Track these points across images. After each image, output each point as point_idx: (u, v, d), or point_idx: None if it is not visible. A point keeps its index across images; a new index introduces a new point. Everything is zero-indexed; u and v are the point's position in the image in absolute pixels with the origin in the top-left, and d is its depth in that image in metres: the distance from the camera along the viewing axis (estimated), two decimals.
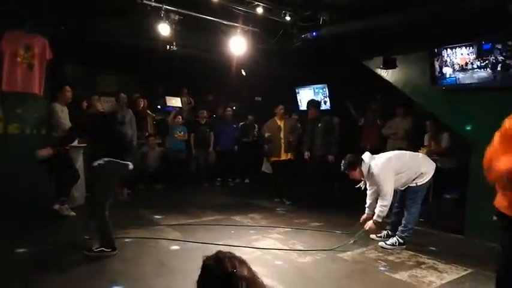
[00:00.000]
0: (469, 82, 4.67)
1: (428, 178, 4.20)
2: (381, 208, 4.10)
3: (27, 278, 3.09)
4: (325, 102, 8.09)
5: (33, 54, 5.03)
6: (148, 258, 3.66)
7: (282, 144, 6.53)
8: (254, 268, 3.75)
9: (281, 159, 6.55)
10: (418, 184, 4.17)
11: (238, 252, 3.80)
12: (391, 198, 4.10)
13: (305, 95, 8.58)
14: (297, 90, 8.71)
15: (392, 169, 4.11)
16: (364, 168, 4.14)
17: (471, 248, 4.38)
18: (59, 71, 6.07)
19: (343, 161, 4.25)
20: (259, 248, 4.06)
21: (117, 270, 3.33)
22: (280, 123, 6.66)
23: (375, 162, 4.16)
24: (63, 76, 6.51)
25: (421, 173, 4.16)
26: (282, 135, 6.56)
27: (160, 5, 5.28)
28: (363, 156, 4.21)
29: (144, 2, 5.12)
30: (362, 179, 4.27)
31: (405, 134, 6.45)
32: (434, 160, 4.92)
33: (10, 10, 4.78)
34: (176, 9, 5.45)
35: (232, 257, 1.16)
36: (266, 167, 7.67)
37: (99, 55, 6.89)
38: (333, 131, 6.32)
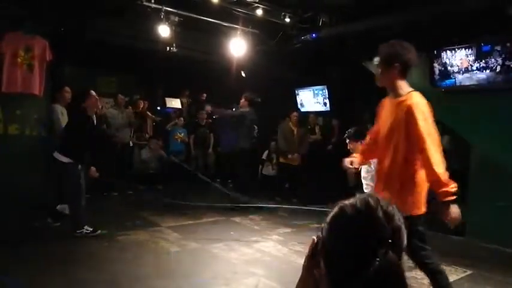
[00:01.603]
0: (468, 84, 4.68)
1: None
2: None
3: (28, 278, 3.09)
4: (325, 104, 8.10)
5: (33, 56, 5.03)
6: (148, 259, 3.66)
7: (294, 149, 6.71)
8: (254, 270, 3.74)
9: (290, 163, 6.72)
10: None
11: (237, 253, 3.79)
12: None
13: (305, 96, 8.59)
14: (296, 92, 8.71)
15: None
16: None
17: (471, 250, 4.38)
18: (59, 71, 6.07)
19: (349, 129, 4.11)
20: (259, 250, 4.06)
21: (118, 271, 3.33)
22: (294, 128, 6.83)
23: None
24: (62, 77, 6.50)
25: None
26: (295, 140, 6.72)
27: (160, 7, 5.29)
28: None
29: (144, 3, 5.13)
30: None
31: None
32: None
33: (10, 11, 4.78)
34: (176, 10, 5.46)
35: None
36: (266, 170, 7.69)
37: (99, 56, 6.89)
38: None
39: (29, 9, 4.90)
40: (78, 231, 4.19)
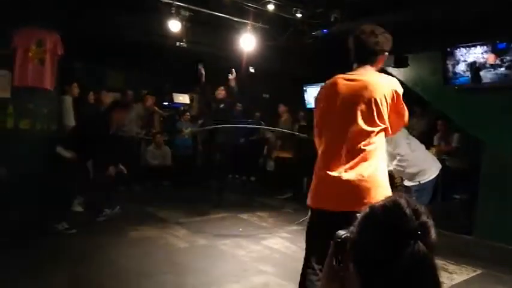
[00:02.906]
0: (483, 82, 4.60)
1: (431, 177, 4.18)
2: (397, 167, 4.05)
3: (36, 272, 3.10)
4: None
5: (45, 50, 5.05)
6: (157, 255, 3.66)
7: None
8: (263, 267, 3.73)
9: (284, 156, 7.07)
10: (421, 182, 4.16)
11: (245, 250, 3.77)
12: (408, 163, 4.05)
13: (313, 93, 8.53)
14: (304, 88, 8.65)
15: (406, 140, 4.12)
16: None
17: (480, 249, 4.32)
18: (68, 66, 6.07)
19: None
20: (267, 247, 4.05)
21: (127, 267, 3.33)
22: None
23: None
24: (72, 71, 6.52)
25: (424, 169, 4.14)
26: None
27: (171, 1, 5.27)
28: None
29: None
30: None
31: (419, 136, 6.30)
32: (443, 160, 4.88)
33: (22, 5, 4.78)
34: (187, 5, 5.43)
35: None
36: (269, 165, 7.69)
37: (108, 50, 6.88)
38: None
39: (40, 4, 4.90)
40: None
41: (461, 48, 4.74)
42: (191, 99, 8.49)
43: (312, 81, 8.44)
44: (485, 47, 4.54)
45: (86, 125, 4.51)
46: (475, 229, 4.78)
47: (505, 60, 4.41)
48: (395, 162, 4.12)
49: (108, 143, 4.38)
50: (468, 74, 4.71)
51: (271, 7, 5.44)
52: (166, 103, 8.52)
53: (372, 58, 2.08)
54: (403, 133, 4.15)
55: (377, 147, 1.97)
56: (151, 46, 6.57)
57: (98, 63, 7.59)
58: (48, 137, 5.05)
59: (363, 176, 1.90)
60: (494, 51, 4.47)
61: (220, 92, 6.19)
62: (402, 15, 4.95)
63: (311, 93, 8.56)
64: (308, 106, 8.54)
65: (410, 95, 5.95)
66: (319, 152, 2.07)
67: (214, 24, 6.07)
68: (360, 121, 1.95)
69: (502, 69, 4.42)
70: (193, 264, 3.47)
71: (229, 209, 5.60)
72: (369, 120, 1.95)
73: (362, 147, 1.93)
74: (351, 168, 1.92)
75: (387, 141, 4.11)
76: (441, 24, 4.82)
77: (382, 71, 6.72)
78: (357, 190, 1.89)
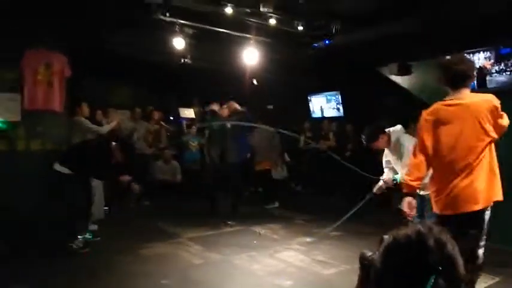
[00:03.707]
0: (488, 87, 4.63)
1: None
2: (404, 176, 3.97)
3: None
4: (338, 109, 8.09)
5: (52, 72, 5.13)
6: (172, 273, 3.63)
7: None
8: (280, 282, 3.71)
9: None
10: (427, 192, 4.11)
11: (260, 264, 3.80)
12: None
13: (317, 103, 8.59)
14: (309, 98, 8.71)
15: None
16: (393, 136, 3.89)
17: (495, 255, 4.22)
18: (76, 86, 6.15)
19: (362, 136, 4.01)
20: (281, 260, 4.03)
21: (142, 285, 3.33)
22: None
23: (406, 135, 3.97)
24: (80, 91, 6.60)
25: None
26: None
27: (175, 20, 5.36)
28: (395, 127, 3.97)
29: (160, 17, 5.21)
30: (386, 148, 4.01)
31: None
32: None
33: (28, 28, 4.87)
34: (190, 23, 5.53)
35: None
36: (275, 174, 7.63)
37: (115, 68, 6.98)
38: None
39: (46, 26, 5.00)
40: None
41: (465, 55, 4.78)
42: (196, 113, 8.57)
43: (316, 91, 8.52)
44: (488, 52, 4.59)
45: (87, 151, 4.46)
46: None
47: (509, 64, 4.45)
48: (403, 171, 4.05)
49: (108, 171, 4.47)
50: (474, 79, 4.75)
51: (272, 21, 5.52)
52: (172, 117, 8.61)
53: (467, 82, 2.45)
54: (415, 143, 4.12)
55: (486, 157, 2.36)
56: (157, 63, 6.66)
57: (105, 82, 7.69)
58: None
59: (474, 183, 2.34)
60: (498, 56, 4.52)
61: (224, 111, 6.12)
62: (403, 24, 5.00)
63: (316, 103, 8.64)
64: (313, 116, 8.61)
65: (416, 102, 6.03)
66: (434, 171, 2.52)
67: (217, 40, 6.16)
68: (468, 140, 2.33)
69: (508, 73, 4.46)
70: (210, 281, 3.45)
71: (240, 222, 5.54)
72: (476, 137, 2.33)
73: (472, 162, 2.33)
74: (465, 178, 2.35)
75: (403, 153, 4.12)
76: (443, 32, 4.87)
77: (386, 79, 6.69)
78: (471, 194, 2.35)
